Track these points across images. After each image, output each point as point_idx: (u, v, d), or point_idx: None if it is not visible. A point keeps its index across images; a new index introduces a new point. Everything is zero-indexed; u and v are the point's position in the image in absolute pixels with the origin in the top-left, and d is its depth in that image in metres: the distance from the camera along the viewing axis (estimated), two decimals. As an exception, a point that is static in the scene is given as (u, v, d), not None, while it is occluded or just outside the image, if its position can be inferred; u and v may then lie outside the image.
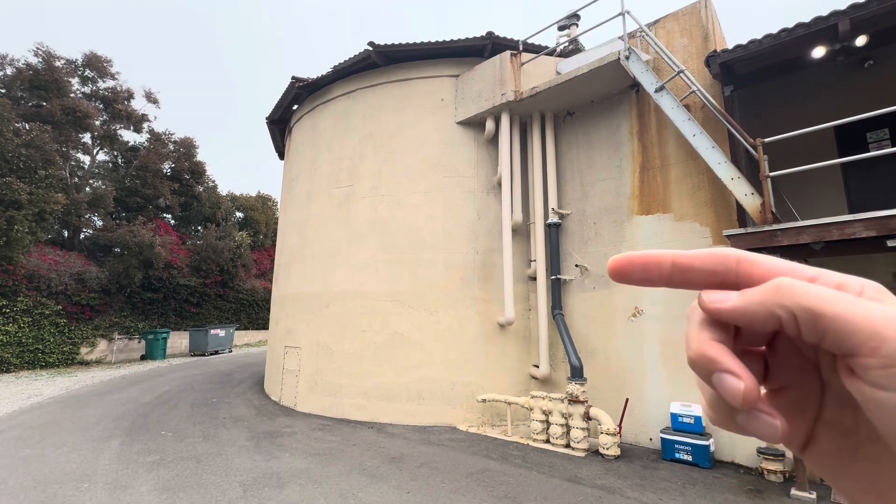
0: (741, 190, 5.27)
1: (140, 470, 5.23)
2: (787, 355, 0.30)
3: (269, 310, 12.50)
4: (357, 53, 8.63)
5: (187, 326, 18.88)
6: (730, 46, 5.75)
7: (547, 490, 4.75)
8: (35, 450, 5.92)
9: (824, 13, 5.08)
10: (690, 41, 6.75)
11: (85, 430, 6.85)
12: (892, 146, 5.92)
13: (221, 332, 18.20)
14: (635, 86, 7.07)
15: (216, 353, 18.09)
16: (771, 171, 5.03)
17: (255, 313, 23.35)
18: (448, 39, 8.24)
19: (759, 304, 0.26)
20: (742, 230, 5.12)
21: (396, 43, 8.34)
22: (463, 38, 8.20)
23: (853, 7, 4.86)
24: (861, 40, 5.14)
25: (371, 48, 8.35)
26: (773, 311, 0.25)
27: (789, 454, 5.09)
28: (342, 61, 8.97)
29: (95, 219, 18.65)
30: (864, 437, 0.27)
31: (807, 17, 5.21)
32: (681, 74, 5.95)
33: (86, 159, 19.43)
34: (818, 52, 5.39)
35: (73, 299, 15.03)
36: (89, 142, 19.20)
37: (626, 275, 0.30)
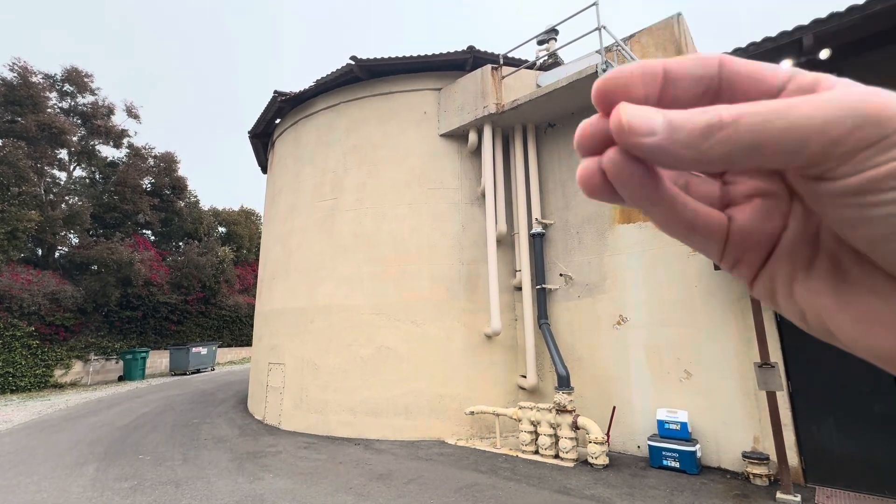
0: (718, 198, 5.40)
1: (116, 497, 5.01)
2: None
3: (252, 326, 12.26)
4: (340, 67, 8.68)
5: (168, 345, 18.36)
6: (702, 60, 5.94)
7: (536, 502, 4.70)
8: (3, 479, 5.63)
9: (790, 28, 5.30)
10: (664, 55, 6.96)
11: (58, 457, 6.56)
12: (859, 154, 6.15)
13: (203, 350, 17.74)
14: (613, 98, 7.23)
15: (198, 371, 17.60)
16: (745, 180, 5.16)
17: (238, 330, 22.86)
18: (430, 53, 8.35)
19: (691, 149, 0.23)
20: (720, 237, 5.23)
21: (379, 57, 8.41)
22: (445, 52, 8.32)
23: (816, 22, 5.08)
24: (825, 54, 5.37)
25: (353, 62, 8.40)
26: (707, 156, 0.23)
27: (773, 458, 5.15)
28: (325, 75, 9.00)
29: (71, 236, 18.14)
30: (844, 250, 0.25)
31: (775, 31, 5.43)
32: (656, 87, 6.11)
33: (62, 175, 18.96)
34: (785, 65, 5.60)
35: (46, 320, 14.50)
36: (66, 158, 18.75)
37: (626, 90, 0.25)
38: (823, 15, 5.08)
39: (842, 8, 4.98)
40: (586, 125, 0.26)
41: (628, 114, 0.24)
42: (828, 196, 0.23)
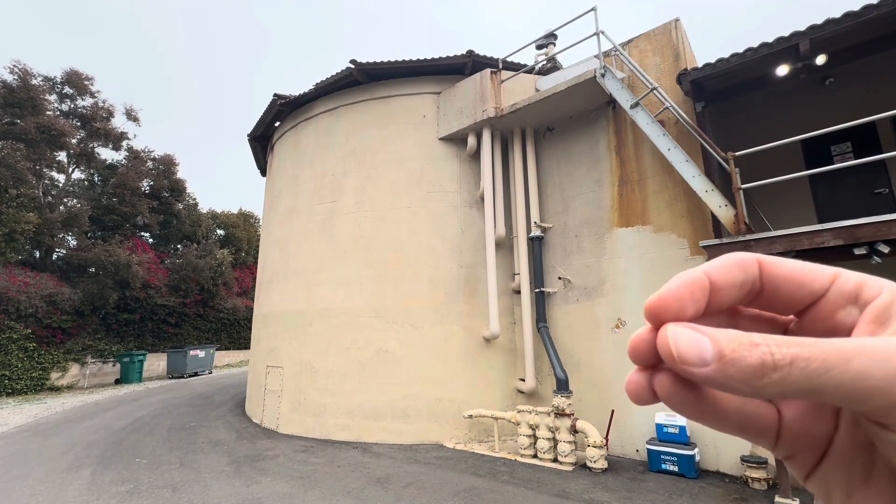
0: (715, 202, 5.43)
1: (112, 501, 4.98)
2: None
3: (250, 329, 12.24)
4: (339, 71, 8.70)
5: (165, 348, 18.29)
6: (700, 64, 5.99)
7: (535, 506, 4.68)
8: (-2, 483, 5.60)
9: (786, 33, 5.35)
10: (662, 60, 7.01)
11: (53, 460, 6.52)
12: (855, 158, 6.20)
13: (201, 353, 17.68)
14: (612, 102, 7.28)
15: (195, 374, 17.53)
16: (743, 184, 5.20)
17: (236, 333, 22.79)
18: (429, 57, 8.39)
19: (744, 384, 0.22)
20: (717, 241, 5.26)
21: (378, 61, 8.44)
22: (444, 56, 8.36)
23: (811, 28, 5.12)
24: (821, 59, 5.42)
25: (353, 66, 8.43)
26: (761, 392, 0.23)
27: (772, 461, 5.15)
28: (325, 78, 9.03)
29: (69, 238, 18.10)
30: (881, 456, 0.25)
31: (773, 37, 5.47)
32: (654, 91, 6.15)
33: (60, 178, 18.95)
34: (782, 70, 5.65)
35: (43, 322, 14.44)
36: (65, 160, 18.75)
37: (677, 311, 0.26)
38: (819, 21, 5.13)
39: (837, 14, 5.03)
40: (638, 340, 0.26)
41: (678, 343, 0.24)
42: (891, 444, 0.23)
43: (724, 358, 0.23)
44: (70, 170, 19.21)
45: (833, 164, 5.92)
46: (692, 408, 0.26)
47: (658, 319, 0.26)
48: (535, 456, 6.35)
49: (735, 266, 0.26)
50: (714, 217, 5.66)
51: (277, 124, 10.88)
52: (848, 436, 0.26)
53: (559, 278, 7.57)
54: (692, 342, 0.23)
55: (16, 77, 16.36)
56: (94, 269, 16.70)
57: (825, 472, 0.27)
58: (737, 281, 0.26)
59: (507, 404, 7.53)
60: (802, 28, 5.19)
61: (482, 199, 8.05)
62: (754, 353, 0.22)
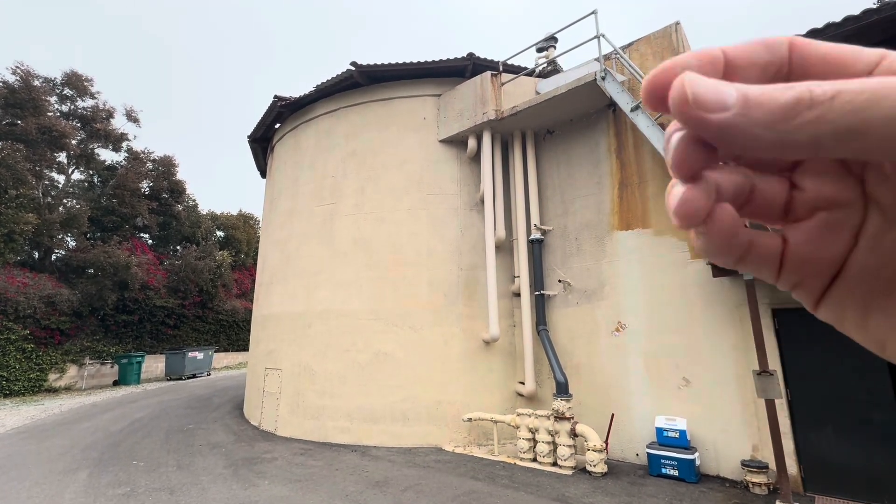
0: (716, 205, 5.41)
1: (109, 503, 4.94)
2: (820, 165, 0.23)
3: (249, 331, 12.21)
4: (340, 73, 8.71)
5: (164, 349, 18.24)
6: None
7: (534, 511, 4.65)
8: (-6, 485, 5.56)
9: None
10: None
11: (50, 462, 6.48)
12: (855, 162, 6.20)
13: (199, 355, 17.63)
14: (612, 105, 7.28)
15: (194, 376, 17.48)
16: (743, 187, 5.19)
17: (235, 334, 22.73)
18: (430, 60, 8.39)
19: (769, 128, 0.19)
20: (718, 244, 5.24)
21: (379, 63, 8.45)
22: (444, 58, 8.37)
23: (812, 32, 5.13)
24: (821, 63, 5.42)
25: (354, 68, 8.44)
26: (788, 139, 0.19)
27: (772, 466, 5.12)
28: (325, 80, 9.04)
29: (68, 239, 18.08)
30: None
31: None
32: (655, 94, 6.14)
33: (60, 178, 18.95)
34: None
35: (41, 323, 14.39)
36: (65, 161, 18.75)
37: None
38: (819, 25, 5.13)
39: (838, 18, 5.04)
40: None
41: (694, 84, 0.20)
42: None
43: (748, 101, 0.19)
44: (70, 171, 19.20)
45: (833, 167, 5.91)
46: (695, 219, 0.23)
47: (660, 92, 0.22)
48: (534, 460, 6.32)
49: (760, 45, 0.22)
50: (714, 220, 5.63)
51: (278, 126, 10.88)
52: (869, 250, 0.23)
53: (559, 281, 7.55)
54: (710, 83, 0.20)
55: (18, 78, 16.38)
56: (92, 271, 16.66)
57: (838, 294, 0.25)
58: (760, 60, 0.22)
59: (506, 407, 7.50)
60: (802, 32, 5.20)
61: (482, 201, 8.04)
62: (788, 92, 0.19)
